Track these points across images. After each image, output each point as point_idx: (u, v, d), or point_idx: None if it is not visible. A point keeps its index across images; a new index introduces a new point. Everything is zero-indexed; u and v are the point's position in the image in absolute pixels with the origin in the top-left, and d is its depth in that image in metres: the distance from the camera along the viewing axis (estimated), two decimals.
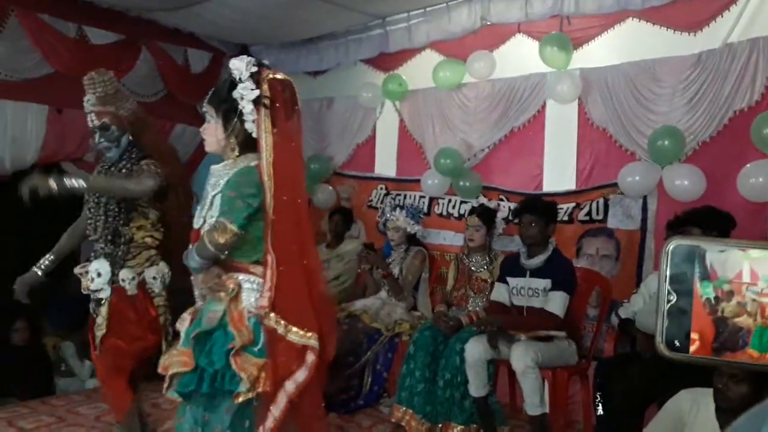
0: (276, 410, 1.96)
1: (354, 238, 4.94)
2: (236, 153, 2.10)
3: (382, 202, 5.01)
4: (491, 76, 4.47)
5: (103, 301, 2.79)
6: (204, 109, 2.15)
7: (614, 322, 3.36)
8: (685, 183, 3.58)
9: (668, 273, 0.71)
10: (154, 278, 2.86)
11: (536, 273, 3.25)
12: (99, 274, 2.78)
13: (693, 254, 0.71)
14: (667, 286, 0.71)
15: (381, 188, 5.12)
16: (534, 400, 2.95)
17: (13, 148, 4.32)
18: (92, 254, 2.87)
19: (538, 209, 3.32)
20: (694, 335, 0.71)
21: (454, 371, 3.23)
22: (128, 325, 2.81)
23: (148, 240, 2.86)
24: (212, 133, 2.12)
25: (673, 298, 0.71)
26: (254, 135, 2.05)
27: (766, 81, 3.41)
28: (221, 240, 1.98)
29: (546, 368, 3.05)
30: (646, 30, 3.85)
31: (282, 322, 1.98)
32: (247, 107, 2.03)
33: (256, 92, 2.02)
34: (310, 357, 2.00)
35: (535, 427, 3.02)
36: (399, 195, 4.93)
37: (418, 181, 4.76)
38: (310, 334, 2.00)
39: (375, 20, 4.83)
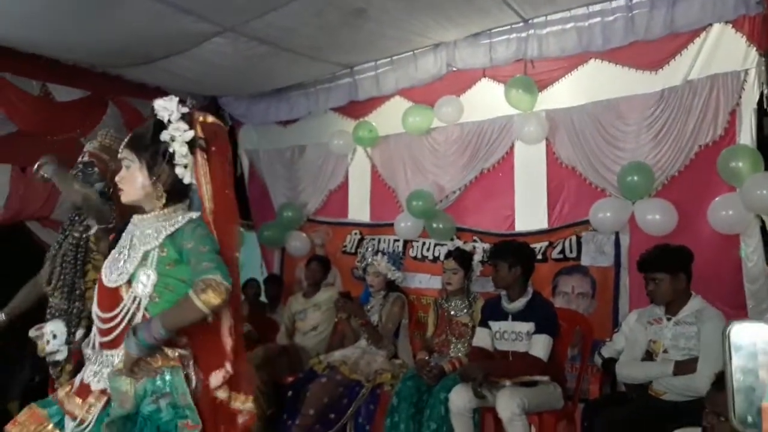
0: None
1: (330, 286, 4.87)
2: (162, 201, 1.87)
3: (357, 248, 4.98)
4: (459, 120, 4.52)
5: (61, 364, 2.67)
6: (120, 155, 1.92)
7: (597, 363, 3.34)
8: (657, 217, 3.63)
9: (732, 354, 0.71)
10: None
11: (518, 316, 3.22)
12: (54, 336, 2.65)
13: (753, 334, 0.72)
14: (732, 367, 0.71)
15: (355, 233, 5.09)
16: None
17: None
18: (48, 314, 2.75)
19: (509, 254, 3.30)
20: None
21: (440, 421, 3.15)
22: None
23: None
24: (132, 180, 1.88)
25: (741, 377, 0.71)
26: (185, 180, 1.86)
27: (729, 116, 3.51)
28: (217, 301, 1.68)
29: (532, 413, 3.00)
30: (609, 70, 3.95)
31: (227, 389, 1.83)
32: (180, 150, 1.84)
33: (191, 133, 1.84)
34: (242, 419, 1.86)
35: None
36: (373, 239, 4.90)
37: (392, 225, 4.75)
38: (248, 397, 1.86)
39: (343, 70, 4.88)
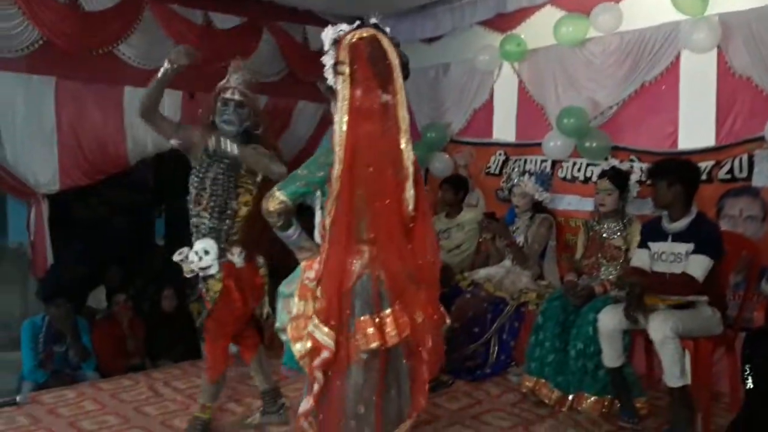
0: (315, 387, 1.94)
1: (473, 207, 4.88)
2: None
3: (501, 169, 4.91)
4: (618, 29, 4.20)
5: (215, 276, 2.86)
6: None
7: (765, 290, 3.10)
8: None
9: None
10: None
11: (679, 237, 3.04)
12: (206, 252, 2.81)
13: None
14: None
15: (500, 154, 5.00)
16: (674, 371, 2.79)
17: (154, 133, 4.64)
18: (194, 234, 2.89)
19: (668, 172, 3.09)
20: None
21: (587, 341, 3.12)
22: (234, 297, 2.90)
23: None
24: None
25: None
26: None
27: None
28: (270, 207, 1.99)
29: (687, 338, 2.88)
30: None
31: (311, 304, 1.95)
32: (330, 78, 1.95)
33: (332, 60, 1.93)
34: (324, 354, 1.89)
35: (675, 399, 2.86)
36: (519, 160, 4.80)
37: (539, 144, 4.61)
38: (326, 330, 1.88)
39: None
